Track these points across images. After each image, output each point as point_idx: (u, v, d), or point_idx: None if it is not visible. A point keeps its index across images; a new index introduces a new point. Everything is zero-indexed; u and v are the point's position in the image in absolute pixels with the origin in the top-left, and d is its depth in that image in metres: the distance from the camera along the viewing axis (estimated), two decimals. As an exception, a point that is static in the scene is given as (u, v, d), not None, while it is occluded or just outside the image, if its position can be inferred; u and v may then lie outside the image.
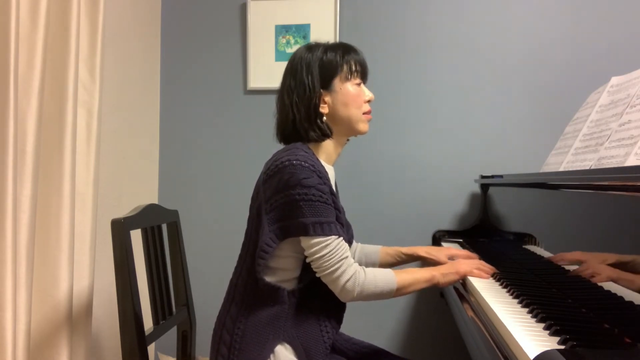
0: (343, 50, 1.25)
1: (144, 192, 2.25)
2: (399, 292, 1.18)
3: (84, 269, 1.66)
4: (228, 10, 2.29)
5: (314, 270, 1.16)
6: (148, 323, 1.38)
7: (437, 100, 2.13)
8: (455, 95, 2.12)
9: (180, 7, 2.33)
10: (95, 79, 1.71)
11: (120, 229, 1.26)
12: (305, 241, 1.14)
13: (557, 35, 2.04)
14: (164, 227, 1.61)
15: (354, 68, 1.25)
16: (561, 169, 1.47)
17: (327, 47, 1.26)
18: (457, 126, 2.11)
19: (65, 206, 1.56)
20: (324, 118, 1.24)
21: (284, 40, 2.21)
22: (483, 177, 1.97)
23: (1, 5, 1.36)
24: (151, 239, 1.47)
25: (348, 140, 1.33)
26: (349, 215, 1.85)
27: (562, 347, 0.78)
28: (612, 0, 2.00)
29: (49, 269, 1.54)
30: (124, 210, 1.45)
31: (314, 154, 1.21)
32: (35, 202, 1.46)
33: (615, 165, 1.13)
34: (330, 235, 1.13)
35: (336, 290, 1.15)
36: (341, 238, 1.15)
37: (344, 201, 2.02)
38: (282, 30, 2.21)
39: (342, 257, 1.13)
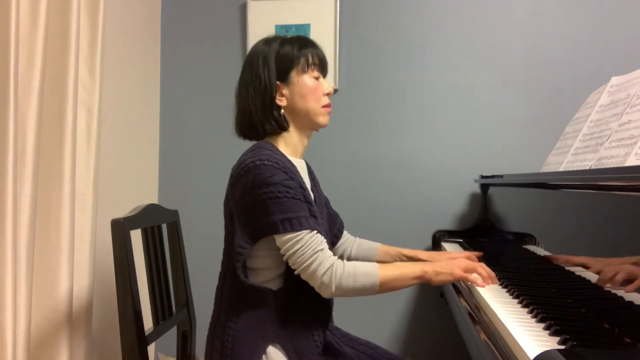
0: (300, 43, 1.25)
1: (144, 192, 2.25)
2: (383, 287, 1.12)
3: (84, 269, 1.66)
4: (228, 10, 2.29)
5: (292, 268, 1.14)
6: (148, 323, 1.38)
7: (437, 99, 2.13)
8: (455, 95, 2.12)
9: (180, 7, 2.33)
10: (95, 78, 1.71)
11: (120, 229, 1.27)
12: (277, 239, 1.13)
13: (557, 35, 2.04)
14: (164, 227, 1.61)
15: (310, 60, 1.24)
16: (561, 169, 1.47)
17: (284, 40, 1.25)
18: (457, 126, 2.11)
19: (65, 206, 1.56)
20: (282, 111, 1.24)
21: (284, 40, 2.20)
22: (483, 177, 1.97)
23: (1, 5, 1.36)
24: (151, 239, 1.47)
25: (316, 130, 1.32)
26: (350, 215, 1.85)
27: (562, 347, 0.78)
28: (612, 0, 2.00)
29: (49, 269, 1.54)
30: (124, 210, 1.45)
31: (278, 150, 1.21)
32: (35, 202, 1.46)
33: (615, 165, 1.13)
34: (301, 230, 1.10)
35: (315, 285, 1.12)
36: (315, 231, 1.12)
37: (342, 199, 2.02)
38: (282, 30, 2.20)
39: (315, 250, 1.10)
